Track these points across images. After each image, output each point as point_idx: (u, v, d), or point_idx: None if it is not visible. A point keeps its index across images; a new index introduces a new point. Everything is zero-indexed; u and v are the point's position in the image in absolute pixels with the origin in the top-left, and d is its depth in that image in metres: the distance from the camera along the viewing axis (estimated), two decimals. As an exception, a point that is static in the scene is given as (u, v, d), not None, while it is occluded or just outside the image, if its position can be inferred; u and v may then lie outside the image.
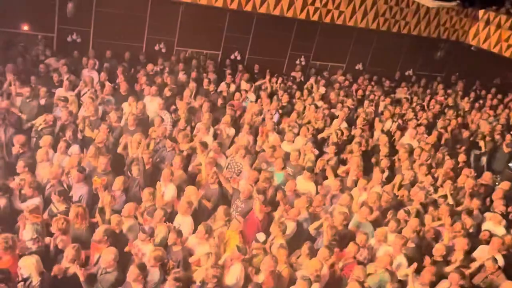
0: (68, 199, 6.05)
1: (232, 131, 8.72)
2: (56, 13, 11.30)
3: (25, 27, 11.13)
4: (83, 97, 8.89)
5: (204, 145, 7.54)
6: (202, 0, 11.97)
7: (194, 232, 5.90)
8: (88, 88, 9.22)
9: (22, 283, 4.63)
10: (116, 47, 11.64)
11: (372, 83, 14.02)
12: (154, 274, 5.05)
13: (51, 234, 5.35)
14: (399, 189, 7.89)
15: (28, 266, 4.66)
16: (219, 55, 13.49)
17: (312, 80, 13.18)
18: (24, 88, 8.51)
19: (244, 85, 11.35)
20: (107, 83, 9.44)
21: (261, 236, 5.81)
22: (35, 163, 6.66)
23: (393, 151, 9.22)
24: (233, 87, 11.20)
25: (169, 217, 6.04)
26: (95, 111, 8.14)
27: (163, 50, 12.62)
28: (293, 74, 13.58)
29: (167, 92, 9.60)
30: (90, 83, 9.34)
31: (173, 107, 9.16)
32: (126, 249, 5.35)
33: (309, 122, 9.61)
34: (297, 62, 14.41)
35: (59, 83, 9.24)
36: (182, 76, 10.95)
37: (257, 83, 11.73)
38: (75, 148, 7.22)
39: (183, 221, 6.05)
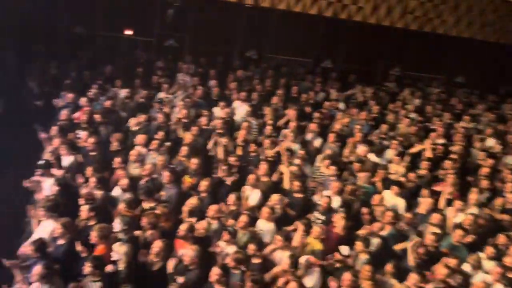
0: (157, 197, 6.44)
1: (318, 140, 8.70)
2: (156, 18, 12.13)
3: (128, 32, 12.10)
4: (177, 100, 9.41)
5: (290, 152, 7.60)
6: (297, 8, 12.12)
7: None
8: (182, 91, 9.78)
9: (111, 265, 5.00)
10: (210, 52, 12.18)
11: (474, 96, 13.16)
12: (235, 277, 5.19)
13: (140, 228, 5.72)
14: (500, 212, 7.32)
15: (120, 252, 5.05)
16: (310, 62, 13.55)
17: (406, 91, 12.71)
18: (124, 89, 9.27)
19: (334, 94, 11.27)
20: (200, 87, 9.93)
21: (345, 249, 5.73)
22: (129, 160, 7.20)
23: (494, 171, 8.57)
24: (322, 96, 11.17)
25: (252, 222, 6.19)
26: (187, 114, 8.59)
27: (254, 57, 12.95)
28: (386, 84, 13.20)
29: (255, 98, 9.85)
30: (184, 87, 9.92)
31: (261, 113, 9.37)
32: (211, 249, 5.56)
33: (401, 135, 9.28)
34: (392, 72, 13.98)
35: (156, 86, 9.90)
36: (271, 83, 11.16)
37: (348, 92, 11.58)
38: (166, 148, 7.68)
39: (266, 227, 6.16)
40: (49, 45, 10.98)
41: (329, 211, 6.57)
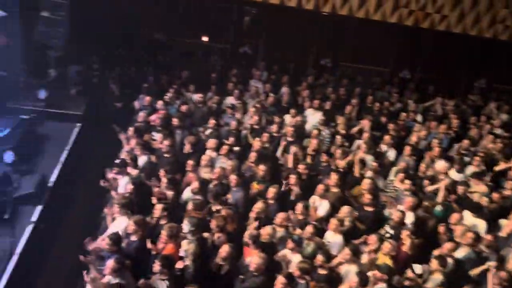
0: (225, 200, 6.58)
1: (393, 153, 8.45)
2: (232, 25, 12.48)
3: (204, 38, 12.56)
4: (249, 106, 9.59)
5: (363, 164, 7.46)
6: (376, 16, 11.92)
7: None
8: (254, 97, 9.96)
9: (179, 264, 5.17)
10: (283, 59, 12.29)
11: None
12: (300, 287, 5.17)
13: (208, 230, 5.88)
14: None
15: (187, 252, 5.22)
16: (387, 72, 13.22)
17: (492, 105, 11.98)
18: (197, 94, 9.62)
19: (412, 105, 10.91)
20: (271, 94, 10.04)
21: (418, 268, 5.51)
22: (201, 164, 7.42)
23: None
24: (399, 106, 10.85)
25: (319, 233, 6.14)
26: (258, 120, 8.72)
27: (329, 65, 12.88)
28: (469, 97, 12.53)
29: (328, 107, 9.78)
30: (256, 93, 10.09)
31: (333, 122, 9.29)
32: (276, 257, 5.59)
33: (484, 151, 8.76)
34: (476, 83, 13.24)
35: (229, 92, 10.16)
36: (345, 92, 11.02)
37: (427, 104, 11.16)
38: (236, 153, 7.83)
39: (333, 239, 6.09)
40: (130, 50, 11.68)
41: (400, 227, 6.35)
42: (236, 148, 7.90)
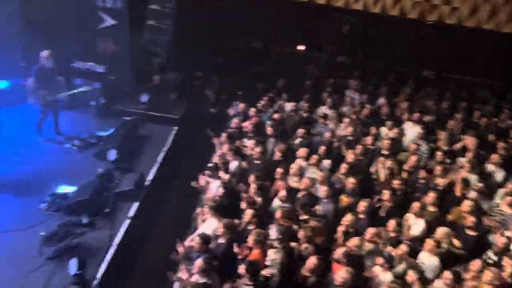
0: (313, 211, 6.53)
1: (501, 174, 7.81)
2: (329, 35, 12.43)
3: (300, 47, 12.64)
4: (344, 117, 9.45)
5: (466, 183, 7.00)
6: (488, 25, 11.17)
7: (438, 275, 5.55)
8: (349, 108, 9.80)
9: (265, 271, 5.21)
10: (381, 70, 11.97)
11: None
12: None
13: (296, 239, 5.86)
14: None
15: (274, 259, 5.27)
16: (498, 85, 12.28)
17: None
18: (290, 103, 9.68)
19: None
20: (368, 105, 9.81)
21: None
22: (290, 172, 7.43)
23: None
24: (510, 124, 10.01)
25: (413, 253, 5.86)
26: (353, 131, 8.56)
27: (431, 77, 12.30)
28: None
29: (428, 120, 9.33)
30: (351, 104, 9.92)
31: (434, 137, 8.84)
32: (365, 273, 5.42)
33: None
34: None
35: (323, 101, 10.10)
36: (448, 105, 10.43)
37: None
38: (327, 164, 7.75)
39: (428, 261, 5.76)
40: (228, 58, 12.11)
41: (505, 253, 5.83)
42: (327, 160, 7.80)
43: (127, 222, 7.04)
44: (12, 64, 8.93)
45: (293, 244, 5.73)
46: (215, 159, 7.62)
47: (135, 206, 7.37)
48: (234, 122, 8.76)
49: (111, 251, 6.45)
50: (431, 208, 6.70)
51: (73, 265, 5.72)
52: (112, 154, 8.10)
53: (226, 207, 6.24)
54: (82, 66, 9.98)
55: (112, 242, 6.59)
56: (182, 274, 5.27)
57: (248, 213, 6.00)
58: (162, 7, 10.11)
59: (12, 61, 9.23)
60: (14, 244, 6.32)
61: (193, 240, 5.62)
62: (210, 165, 7.28)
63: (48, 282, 5.79)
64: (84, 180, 7.54)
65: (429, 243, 5.84)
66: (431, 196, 6.75)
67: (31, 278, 5.82)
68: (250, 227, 5.89)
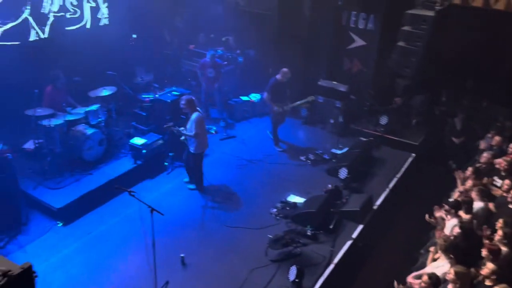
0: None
1: None
2: None
3: None
4: None
5: None
6: None
7: None
8: None
9: None
10: None
11: None
12: None
13: None
14: None
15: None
16: None
17: None
18: None
19: None
20: None
21: None
22: None
23: None
24: None
25: None
26: None
27: None
28: None
29: None
30: None
31: None
32: None
33: None
34: None
35: None
36: None
37: None
38: None
39: None
40: (482, 82, 10.79)
41: None
42: None
43: (349, 242, 6.97)
44: (267, 79, 9.87)
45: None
46: (456, 195, 6.91)
47: (359, 228, 7.26)
48: (485, 156, 7.74)
49: (330, 268, 6.47)
50: None
51: (293, 272, 5.97)
52: (343, 173, 8.18)
53: (462, 251, 5.50)
54: (327, 85, 10.40)
55: (332, 259, 6.61)
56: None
57: (489, 267, 5.14)
58: (414, 28, 9.72)
59: (268, 75, 10.19)
60: (247, 240, 7.00)
61: (420, 278, 5.12)
62: (449, 200, 6.58)
63: (268, 281, 6.16)
64: (313, 193, 7.84)
65: None
66: None
67: (255, 274, 6.31)
68: (488, 283, 5.05)
